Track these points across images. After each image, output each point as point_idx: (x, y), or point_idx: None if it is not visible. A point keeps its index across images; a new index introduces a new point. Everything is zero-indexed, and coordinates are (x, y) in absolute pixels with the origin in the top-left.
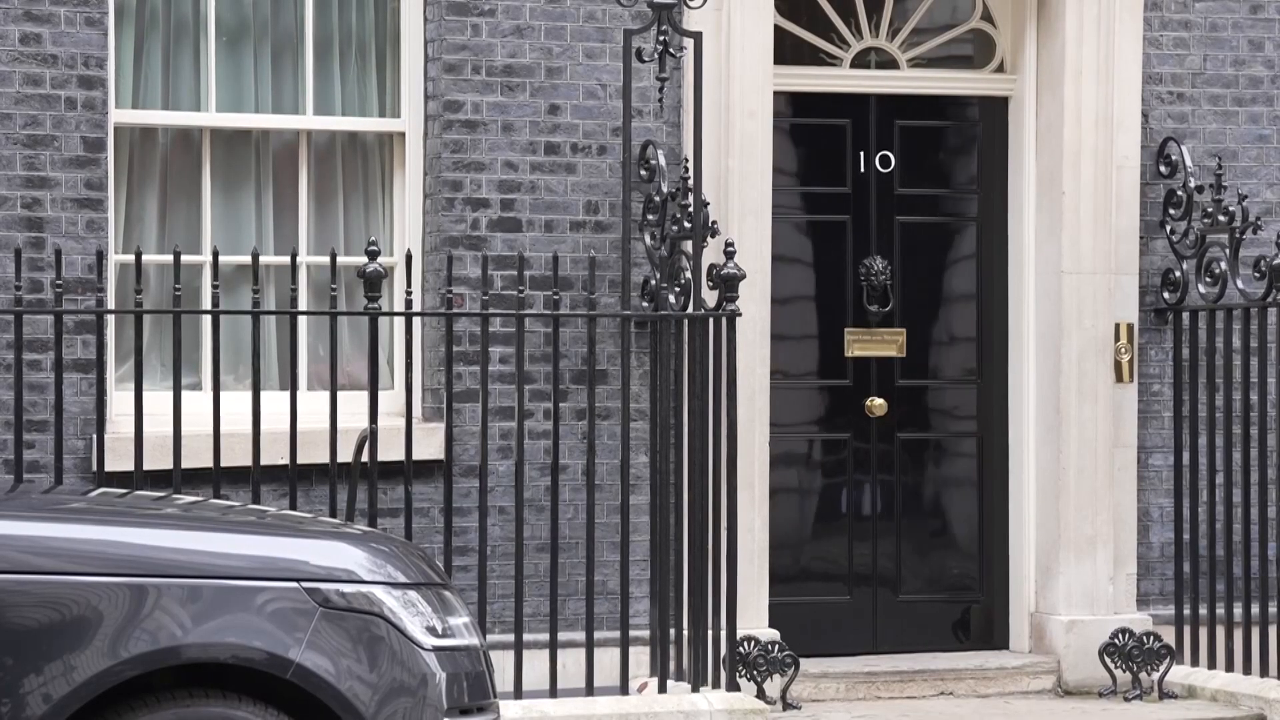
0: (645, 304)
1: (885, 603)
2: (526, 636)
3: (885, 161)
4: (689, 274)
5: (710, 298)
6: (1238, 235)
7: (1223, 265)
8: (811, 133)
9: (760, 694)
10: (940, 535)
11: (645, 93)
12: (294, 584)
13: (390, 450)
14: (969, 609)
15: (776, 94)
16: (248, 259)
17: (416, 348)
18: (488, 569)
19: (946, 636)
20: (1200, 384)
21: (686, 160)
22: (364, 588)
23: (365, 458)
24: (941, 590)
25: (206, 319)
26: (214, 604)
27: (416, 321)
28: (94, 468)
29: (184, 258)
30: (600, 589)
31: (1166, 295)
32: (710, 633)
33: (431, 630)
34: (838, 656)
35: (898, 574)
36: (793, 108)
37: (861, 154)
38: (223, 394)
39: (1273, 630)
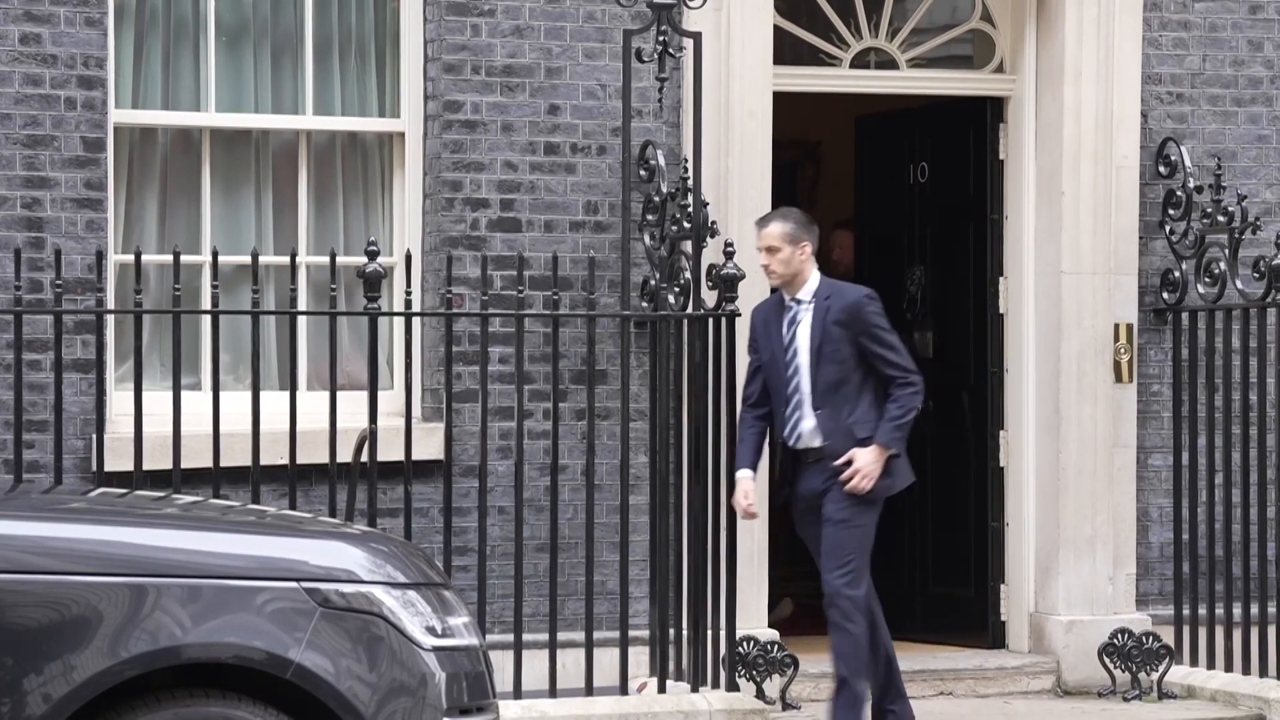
0: (645, 304)
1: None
2: (526, 636)
3: (922, 172)
4: (689, 274)
5: (710, 298)
6: (1237, 235)
7: (1222, 265)
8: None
9: (760, 694)
10: (941, 534)
11: (645, 93)
12: (294, 584)
13: (390, 450)
14: (968, 608)
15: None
16: (247, 259)
17: (416, 348)
18: (487, 569)
19: (946, 635)
20: (1200, 384)
21: (686, 160)
22: (364, 588)
23: (365, 458)
24: (941, 588)
25: (206, 319)
26: (214, 604)
27: (416, 321)
28: (94, 468)
29: (184, 258)
30: (600, 589)
31: (1166, 295)
32: (710, 633)
33: (431, 630)
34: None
35: (901, 570)
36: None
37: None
38: (223, 394)
39: (1272, 630)
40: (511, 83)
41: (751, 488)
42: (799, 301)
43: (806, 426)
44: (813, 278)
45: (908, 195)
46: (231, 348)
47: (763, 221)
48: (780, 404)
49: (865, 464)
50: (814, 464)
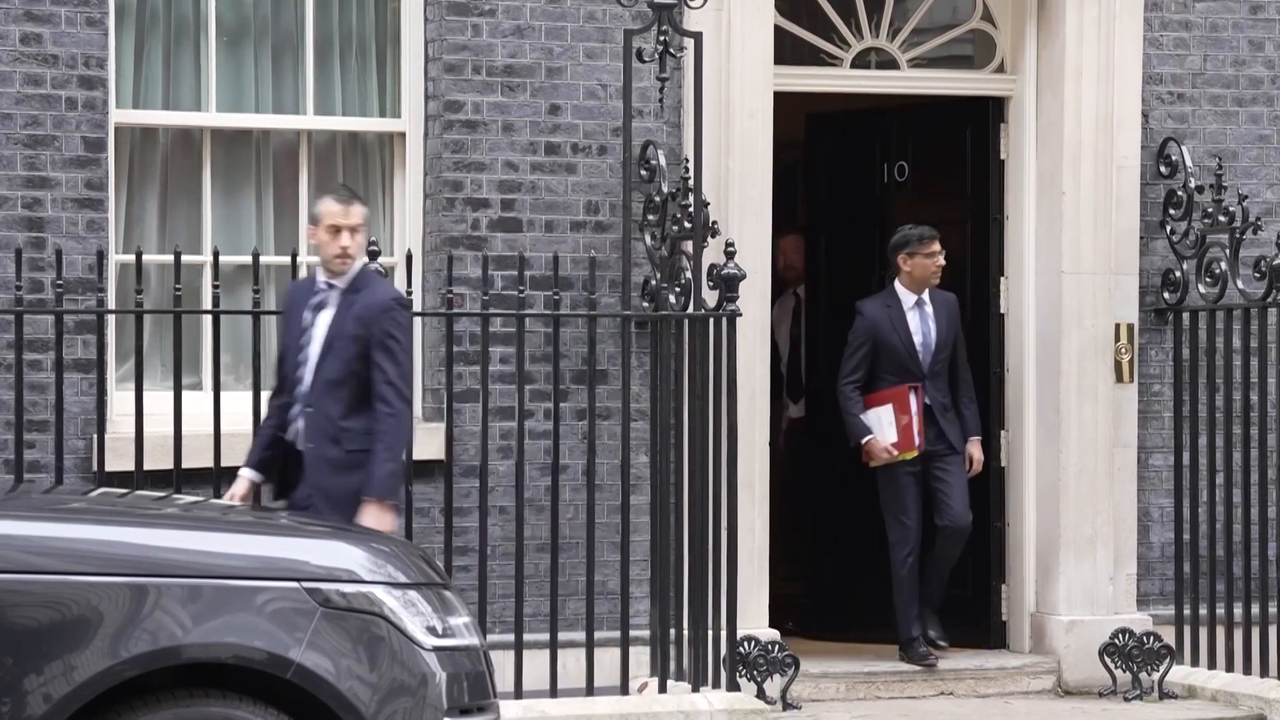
0: (645, 304)
1: (886, 598)
2: (526, 636)
3: (900, 171)
4: (689, 274)
5: (710, 298)
6: (1238, 235)
7: (1223, 265)
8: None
9: (760, 694)
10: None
11: (645, 93)
12: (294, 584)
13: None
14: (969, 608)
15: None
16: (248, 259)
17: (417, 348)
18: (488, 569)
19: (946, 635)
20: (1200, 384)
21: (687, 160)
22: (364, 588)
23: None
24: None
25: (207, 319)
26: (214, 604)
27: (417, 321)
28: (94, 468)
29: (184, 258)
30: (600, 589)
31: (1166, 295)
32: (710, 633)
33: (432, 630)
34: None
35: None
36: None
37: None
38: (223, 394)
39: (1273, 630)
40: (512, 83)
41: (245, 490)
42: (332, 287)
43: (300, 425)
44: (357, 264)
45: (880, 194)
46: (232, 348)
47: (346, 199)
48: (286, 394)
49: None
50: (306, 468)
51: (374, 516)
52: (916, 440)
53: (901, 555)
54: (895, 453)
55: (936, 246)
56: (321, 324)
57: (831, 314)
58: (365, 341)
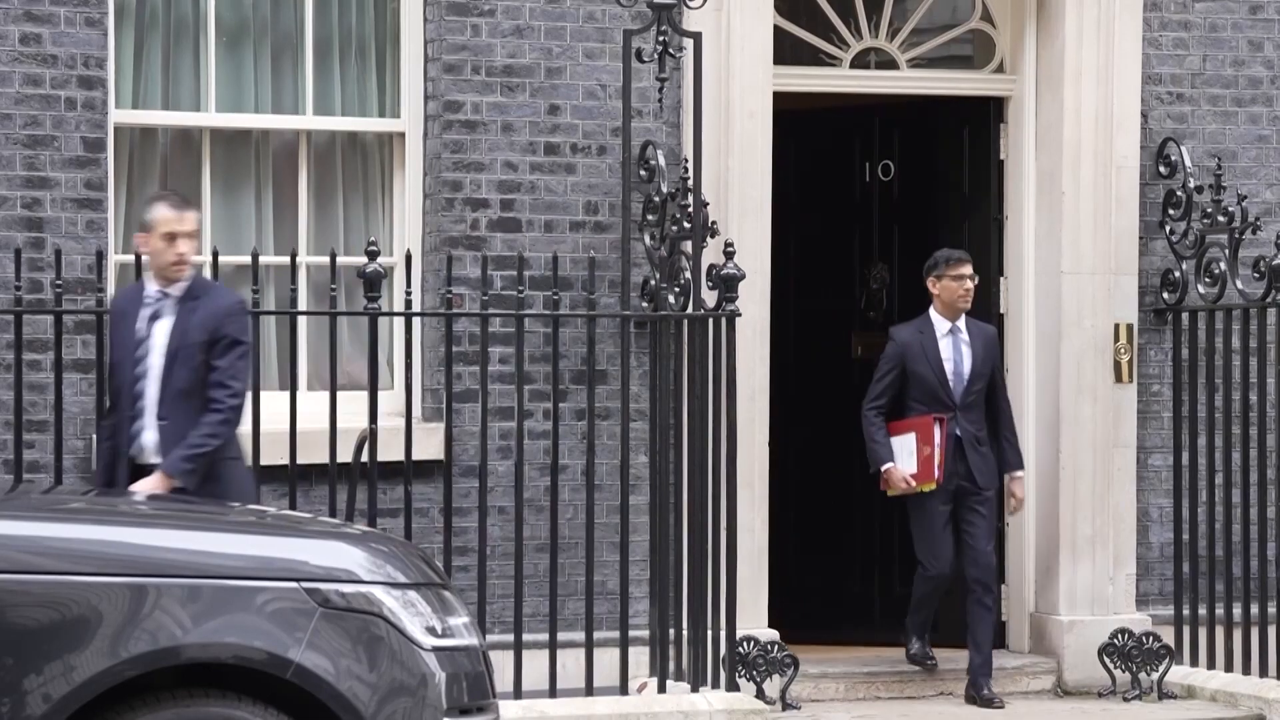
0: (645, 304)
1: (884, 599)
2: (526, 636)
3: (885, 170)
4: (689, 274)
5: (710, 298)
6: (1237, 235)
7: (1222, 265)
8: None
9: (760, 694)
10: None
11: (645, 93)
12: (294, 584)
13: (390, 450)
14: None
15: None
16: (248, 259)
17: (416, 348)
18: (487, 569)
19: (946, 635)
20: (1200, 384)
21: (686, 160)
22: (364, 588)
23: (365, 458)
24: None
25: None
26: (214, 604)
27: (416, 321)
28: (94, 468)
29: None
30: (600, 589)
31: (1166, 295)
32: (710, 633)
33: (431, 630)
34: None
35: (893, 572)
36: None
37: (868, 164)
38: None
39: (1272, 630)
40: (512, 83)
41: None
42: (166, 295)
43: (149, 439)
44: (191, 271)
45: (861, 193)
46: None
47: (179, 205)
48: (126, 408)
49: (146, 493)
50: None
51: (151, 484)
52: (936, 473)
53: (926, 589)
54: (913, 484)
55: (966, 269)
56: (160, 334)
57: (803, 317)
58: (211, 347)
